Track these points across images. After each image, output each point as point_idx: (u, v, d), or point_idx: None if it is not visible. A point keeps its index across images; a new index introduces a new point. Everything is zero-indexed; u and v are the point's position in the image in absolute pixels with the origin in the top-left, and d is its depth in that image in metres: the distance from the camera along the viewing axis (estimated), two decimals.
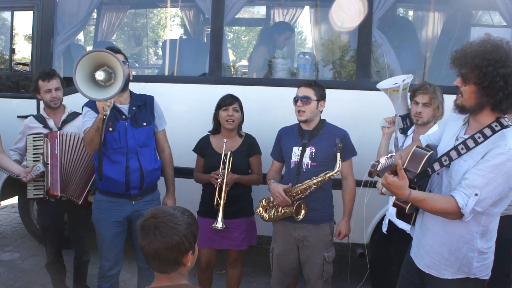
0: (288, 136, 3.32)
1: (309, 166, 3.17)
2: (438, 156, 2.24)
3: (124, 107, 3.16)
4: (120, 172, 3.10)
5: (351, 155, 3.25)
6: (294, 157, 3.22)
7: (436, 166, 2.19)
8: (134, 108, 3.16)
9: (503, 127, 2.07)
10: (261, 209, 3.31)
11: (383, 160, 2.03)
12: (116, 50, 3.00)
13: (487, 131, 2.08)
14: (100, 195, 3.23)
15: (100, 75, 2.73)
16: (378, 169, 2.02)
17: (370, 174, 2.10)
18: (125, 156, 3.11)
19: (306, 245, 3.23)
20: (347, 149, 3.19)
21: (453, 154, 2.15)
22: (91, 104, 3.09)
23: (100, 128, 2.86)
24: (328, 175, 3.07)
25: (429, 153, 2.25)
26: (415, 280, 2.45)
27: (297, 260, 3.31)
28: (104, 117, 2.79)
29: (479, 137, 2.09)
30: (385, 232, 3.43)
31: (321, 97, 3.21)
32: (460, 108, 2.17)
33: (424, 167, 2.20)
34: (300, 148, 3.20)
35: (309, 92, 3.17)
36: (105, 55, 2.73)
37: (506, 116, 2.11)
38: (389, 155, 2.08)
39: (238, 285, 3.74)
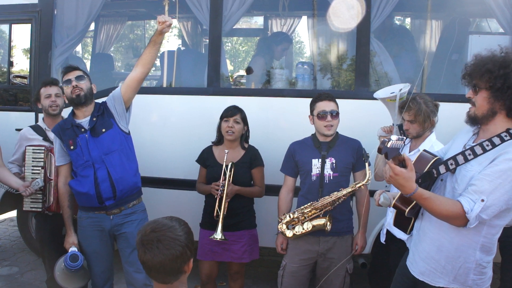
0: (303, 149, 3.23)
1: (331, 177, 3.12)
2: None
3: (84, 121, 3.09)
4: (89, 184, 3.03)
5: (364, 165, 3.16)
6: (315, 170, 3.14)
7: (442, 168, 2.16)
8: (94, 119, 3.08)
9: None
10: (284, 225, 3.11)
11: (394, 137, 1.97)
12: (73, 67, 3.15)
13: (496, 140, 2.04)
14: (79, 211, 3.20)
15: None
16: (388, 146, 1.96)
17: (379, 151, 2.06)
18: (93, 168, 3.05)
19: (329, 257, 3.16)
20: (361, 159, 3.14)
21: (460, 158, 2.11)
22: (59, 132, 3.13)
23: None
24: (358, 185, 3.03)
25: (436, 158, 2.24)
26: None
27: (308, 276, 3.26)
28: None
29: (487, 145, 2.05)
30: (383, 242, 3.40)
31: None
32: (472, 119, 2.13)
33: (429, 169, 2.18)
34: (320, 160, 3.16)
35: (335, 105, 3.15)
36: None
37: None
38: (401, 136, 2.03)
39: None
